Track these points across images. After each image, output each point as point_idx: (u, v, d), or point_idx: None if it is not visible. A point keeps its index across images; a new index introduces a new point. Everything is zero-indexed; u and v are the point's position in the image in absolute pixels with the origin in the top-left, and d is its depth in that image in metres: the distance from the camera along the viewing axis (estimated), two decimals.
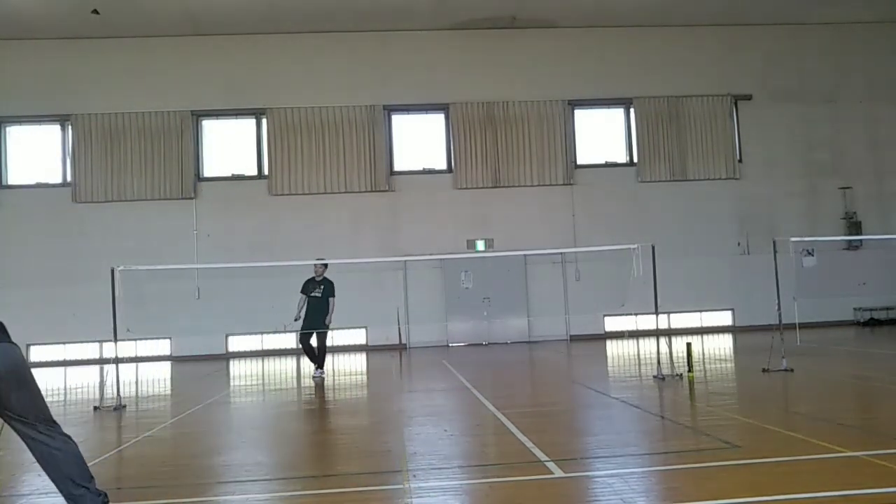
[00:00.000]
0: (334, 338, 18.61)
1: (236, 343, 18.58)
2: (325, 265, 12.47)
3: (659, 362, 10.16)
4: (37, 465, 3.99)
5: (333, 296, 12.28)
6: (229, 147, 19.21)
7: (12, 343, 3.92)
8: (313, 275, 12.43)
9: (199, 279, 17.88)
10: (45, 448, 3.95)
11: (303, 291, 12.40)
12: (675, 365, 10.28)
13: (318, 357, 12.31)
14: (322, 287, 12.27)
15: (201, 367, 15.83)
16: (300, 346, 12.73)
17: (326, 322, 12.19)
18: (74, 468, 3.99)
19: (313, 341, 12.31)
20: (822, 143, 19.90)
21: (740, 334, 18.33)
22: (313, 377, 12.20)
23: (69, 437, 4.05)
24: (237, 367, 15.86)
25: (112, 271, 9.73)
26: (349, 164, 18.83)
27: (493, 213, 18.97)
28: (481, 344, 18.50)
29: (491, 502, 4.56)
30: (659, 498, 4.57)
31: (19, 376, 3.87)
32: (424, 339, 18.48)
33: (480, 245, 18.84)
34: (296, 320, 12.31)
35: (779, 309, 10.58)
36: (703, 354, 13.34)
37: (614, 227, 18.27)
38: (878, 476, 4.61)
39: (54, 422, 4.02)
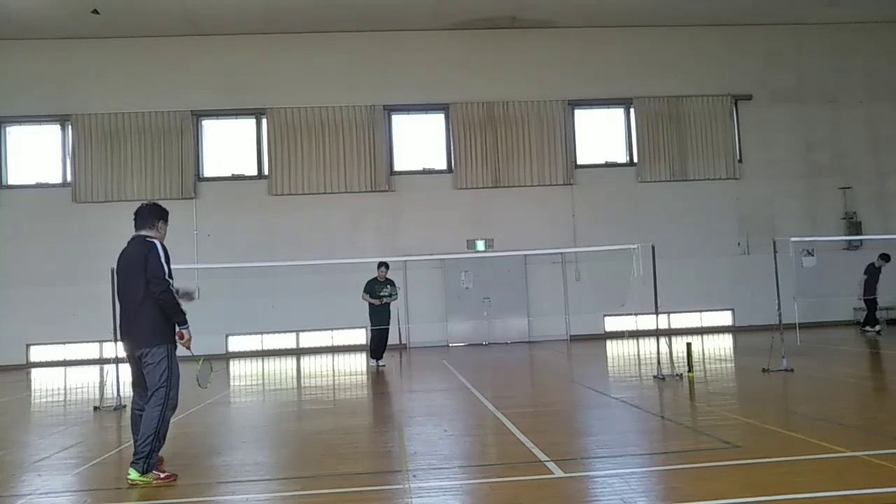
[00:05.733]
0: (333, 338, 18.82)
1: (236, 343, 18.58)
2: (387, 266, 13.82)
3: (659, 362, 10.17)
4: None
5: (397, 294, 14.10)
6: (229, 147, 19.20)
7: None
8: (376, 276, 13.72)
9: (198, 279, 17.83)
10: None
11: (368, 291, 13.67)
12: (675, 365, 10.29)
13: (381, 351, 13.90)
14: (388, 287, 13.73)
15: None
16: (373, 343, 13.90)
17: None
18: None
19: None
20: (822, 143, 19.89)
21: (740, 334, 18.32)
22: (380, 367, 13.64)
23: None
24: (237, 367, 15.85)
25: (112, 271, 9.67)
26: (349, 164, 18.82)
27: (493, 213, 18.96)
28: (481, 344, 18.49)
29: (491, 502, 4.56)
30: (659, 498, 4.57)
31: None
32: (424, 339, 18.47)
33: (480, 245, 18.83)
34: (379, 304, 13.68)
35: (779, 309, 10.58)
36: (703, 354, 13.34)
37: (614, 227, 18.26)
38: (878, 476, 4.61)
39: None
